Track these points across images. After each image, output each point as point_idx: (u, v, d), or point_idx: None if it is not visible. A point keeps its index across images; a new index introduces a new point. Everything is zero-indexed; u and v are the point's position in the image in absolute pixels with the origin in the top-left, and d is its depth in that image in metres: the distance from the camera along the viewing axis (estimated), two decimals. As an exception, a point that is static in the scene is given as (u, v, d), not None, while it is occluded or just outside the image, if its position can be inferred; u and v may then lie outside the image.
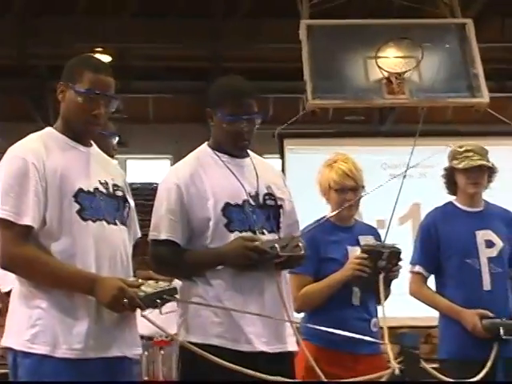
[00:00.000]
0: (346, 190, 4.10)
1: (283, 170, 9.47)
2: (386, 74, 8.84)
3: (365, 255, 3.87)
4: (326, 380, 3.27)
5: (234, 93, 3.35)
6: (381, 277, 3.81)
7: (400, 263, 3.90)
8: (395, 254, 3.85)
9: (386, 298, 3.89)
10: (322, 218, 4.07)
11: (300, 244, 3.26)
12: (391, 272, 3.89)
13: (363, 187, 4.15)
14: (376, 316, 4.05)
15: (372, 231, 4.22)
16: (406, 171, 3.89)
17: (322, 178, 4.21)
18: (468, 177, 4.51)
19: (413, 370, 3.37)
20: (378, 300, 3.96)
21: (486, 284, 4.40)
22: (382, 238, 4.08)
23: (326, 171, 4.19)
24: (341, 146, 8.93)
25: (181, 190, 3.31)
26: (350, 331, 3.65)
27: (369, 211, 10.06)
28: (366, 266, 3.86)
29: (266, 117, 3.49)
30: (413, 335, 3.57)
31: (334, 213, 3.99)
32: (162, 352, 6.33)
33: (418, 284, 4.55)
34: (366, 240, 4.05)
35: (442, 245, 4.49)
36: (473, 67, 9.00)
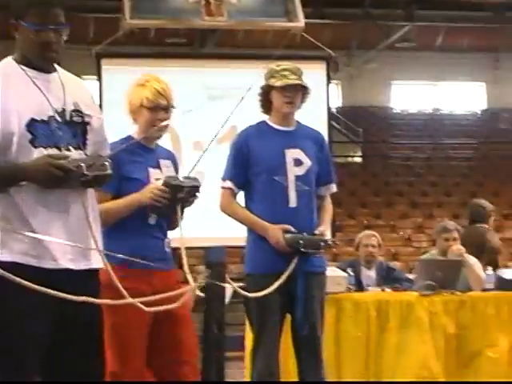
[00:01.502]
0: (158, 108, 4.12)
1: (100, 91, 9.35)
2: (204, -4, 8.83)
3: (166, 188, 3.94)
4: (127, 295, 3.29)
5: (40, 1, 3.25)
6: (178, 207, 3.94)
7: (197, 194, 3.99)
8: (195, 188, 3.96)
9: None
10: (127, 137, 4.12)
11: (106, 163, 3.24)
12: (187, 202, 4.00)
13: (173, 107, 4.18)
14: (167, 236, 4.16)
15: (170, 156, 4.28)
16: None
17: (133, 96, 4.18)
18: (284, 95, 4.62)
19: (217, 286, 3.45)
20: (172, 226, 4.11)
21: (292, 201, 4.55)
22: (186, 165, 4.18)
23: (139, 89, 4.17)
24: (161, 67, 8.91)
25: (-18, 105, 3.20)
26: (145, 248, 3.90)
27: (186, 133, 10.20)
28: (164, 199, 3.94)
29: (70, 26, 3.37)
30: (218, 250, 3.63)
31: (143, 136, 4.05)
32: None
33: (227, 199, 4.67)
34: (169, 172, 4.12)
35: (252, 161, 4.60)
36: (290, -8, 9.14)
